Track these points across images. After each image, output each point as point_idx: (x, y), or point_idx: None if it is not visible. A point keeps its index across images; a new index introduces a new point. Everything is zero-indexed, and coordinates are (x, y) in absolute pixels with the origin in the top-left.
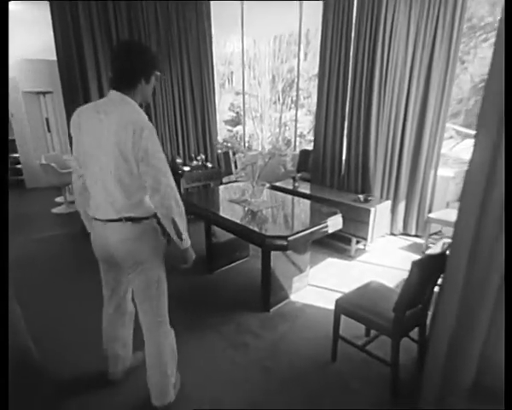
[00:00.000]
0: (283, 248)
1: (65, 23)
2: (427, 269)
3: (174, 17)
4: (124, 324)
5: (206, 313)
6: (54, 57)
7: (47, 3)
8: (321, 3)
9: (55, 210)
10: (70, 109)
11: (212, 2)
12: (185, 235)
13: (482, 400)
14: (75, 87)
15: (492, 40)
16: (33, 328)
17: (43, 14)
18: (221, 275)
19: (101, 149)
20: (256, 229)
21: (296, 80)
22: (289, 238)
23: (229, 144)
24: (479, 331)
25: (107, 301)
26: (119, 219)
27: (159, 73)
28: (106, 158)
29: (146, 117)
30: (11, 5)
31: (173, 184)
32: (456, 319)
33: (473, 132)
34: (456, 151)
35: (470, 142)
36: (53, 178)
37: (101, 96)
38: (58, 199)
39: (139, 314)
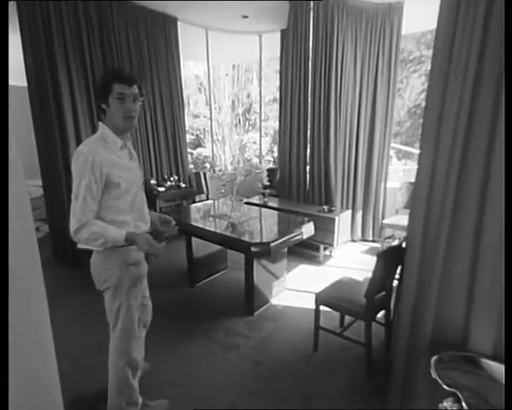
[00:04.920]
0: (267, 254)
1: (37, 48)
2: (389, 258)
3: (144, 42)
4: None
5: (194, 323)
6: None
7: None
8: (271, 37)
9: None
10: (41, 136)
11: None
12: (113, 238)
13: (438, 348)
14: (48, 113)
15: (421, 71)
16: None
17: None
18: (203, 287)
19: None
20: (242, 238)
21: (254, 105)
22: (272, 244)
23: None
24: (431, 298)
25: None
26: None
27: (118, 91)
28: None
29: (85, 144)
30: None
31: (85, 220)
32: (416, 289)
33: (411, 150)
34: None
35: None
36: None
37: (76, 121)
38: None
39: None
